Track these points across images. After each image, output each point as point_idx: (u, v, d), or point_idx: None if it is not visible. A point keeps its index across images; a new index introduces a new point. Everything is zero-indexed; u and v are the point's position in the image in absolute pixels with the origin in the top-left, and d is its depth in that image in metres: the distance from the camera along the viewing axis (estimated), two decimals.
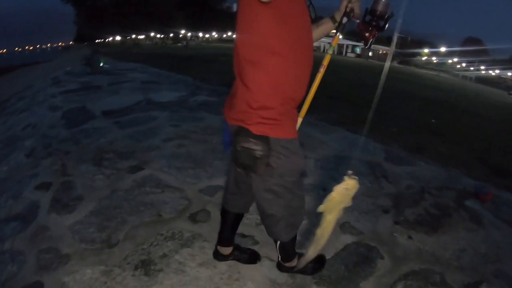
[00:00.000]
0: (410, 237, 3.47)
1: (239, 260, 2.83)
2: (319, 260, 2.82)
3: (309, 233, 3.06)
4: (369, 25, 2.18)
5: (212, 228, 3.23)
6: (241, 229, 3.07)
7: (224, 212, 2.67)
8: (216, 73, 13.06)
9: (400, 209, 3.93)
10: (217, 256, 2.84)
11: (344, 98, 10.62)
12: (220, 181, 4.08)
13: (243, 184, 2.39)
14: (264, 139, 1.92)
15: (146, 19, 56.53)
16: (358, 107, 9.21)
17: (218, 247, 2.82)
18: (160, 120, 6.18)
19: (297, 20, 1.89)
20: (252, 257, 2.87)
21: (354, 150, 5.51)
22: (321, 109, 8.23)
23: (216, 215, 3.40)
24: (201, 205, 3.59)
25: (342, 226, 3.50)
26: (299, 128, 2.23)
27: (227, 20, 73.53)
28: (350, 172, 1.80)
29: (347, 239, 3.33)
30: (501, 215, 4.25)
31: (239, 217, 2.69)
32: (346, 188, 1.81)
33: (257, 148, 1.90)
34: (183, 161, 4.56)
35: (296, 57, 1.91)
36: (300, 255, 2.53)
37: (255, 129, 1.91)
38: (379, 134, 6.65)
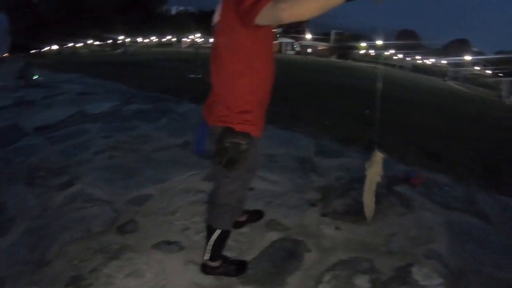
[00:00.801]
0: (337, 228, 3.53)
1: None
2: (242, 263, 2.94)
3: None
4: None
5: (139, 238, 3.25)
6: (167, 236, 3.26)
7: None
8: (153, 79, 12.93)
9: (328, 201, 3.99)
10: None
11: (280, 96, 10.66)
12: (149, 190, 4.08)
13: None
14: (247, 135, 2.27)
15: (84, 26, 54.69)
16: (292, 103, 9.32)
17: None
18: (93, 132, 6.08)
19: (270, 38, 2.31)
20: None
21: (284, 147, 5.57)
22: None
23: (143, 225, 3.44)
24: (130, 216, 3.58)
25: (268, 223, 3.55)
26: None
27: (166, 24, 72.64)
28: (376, 150, 2.47)
29: (274, 235, 3.36)
30: (433, 197, 4.40)
31: None
32: (374, 160, 2.50)
33: (243, 142, 2.24)
34: (113, 172, 4.51)
35: (268, 68, 2.34)
36: (225, 258, 2.86)
37: (238, 128, 2.26)
38: (312, 129, 6.75)
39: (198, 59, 13.88)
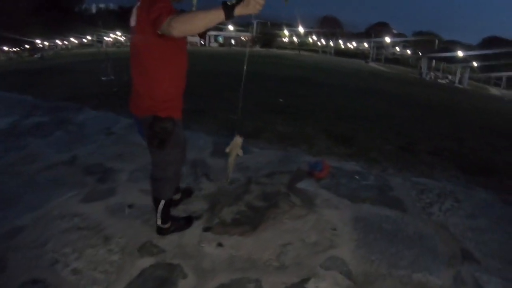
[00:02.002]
0: (220, 245, 3.04)
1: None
2: (189, 218, 3.43)
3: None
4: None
5: (7, 278, 2.80)
6: (33, 273, 2.83)
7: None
8: (62, 85, 11.85)
9: (216, 211, 3.51)
10: None
11: (190, 91, 10.03)
12: (24, 220, 3.48)
13: None
14: (171, 119, 2.76)
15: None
16: (202, 99, 8.75)
17: None
18: None
19: (182, 38, 2.68)
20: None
21: None
22: None
23: (13, 262, 2.95)
24: (0, 253, 3.04)
25: (141, 247, 3.07)
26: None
27: (86, 23, 69.36)
28: (238, 135, 3.04)
29: (146, 262, 2.88)
30: (340, 189, 4.02)
31: None
32: (234, 142, 3.01)
33: (168, 125, 2.73)
34: None
35: (182, 62, 2.82)
36: (174, 219, 3.29)
37: (163, 114, 2.72)
38: (215, 125, 6.25)
39: (109, 60, 13.03)
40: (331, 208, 3.57)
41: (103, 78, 12.46)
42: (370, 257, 2.93)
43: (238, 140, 3.04)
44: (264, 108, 7.81)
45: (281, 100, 8.91)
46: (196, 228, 3.27)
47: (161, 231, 3.21)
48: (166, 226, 3.21)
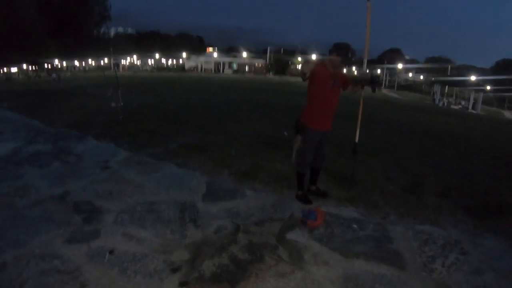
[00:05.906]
0: None
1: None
2: (308, 201, 4.70)
3: None
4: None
5: None
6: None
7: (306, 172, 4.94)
8: (70, 110, 11.84)
9: (197, 263, 3.28)
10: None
11: (195, 122, 9.91)
12: (6, 257, 3.34)
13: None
14: (303, 124, 4.62)
15: (18, 51, 51.52)
16: (204, 131, 8.54)
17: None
18: None
19: (323, 86, 4.56)
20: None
21: (170, 190, 4.88)
22: (161, 139, 7.48)
23: None
24: None
25: None
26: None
27: (104, 46, 69.81)
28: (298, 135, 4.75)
29: None
30: (334, 241, 3.77)
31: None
32: (296, 139, 4.71)
33: (299, 125, 4.70)
34: None
35: (322, 99, 4.58)
36: (304, 191, 4.84)
37: (302, 120, 4.68)
38: (212, 163, 6.06)
39: (119, 86, 12.73)
40: (320, 265, 3.32)
41: (112, 105, 12.28)
42: None
43: (298, 137, 4.63)
44: (267, 141, 7.58)
45: (285, 133, 8.59)
46: (173, 282, 3.03)
47: (296, 195, 4.79)
48: (298, 193, 4.80)
